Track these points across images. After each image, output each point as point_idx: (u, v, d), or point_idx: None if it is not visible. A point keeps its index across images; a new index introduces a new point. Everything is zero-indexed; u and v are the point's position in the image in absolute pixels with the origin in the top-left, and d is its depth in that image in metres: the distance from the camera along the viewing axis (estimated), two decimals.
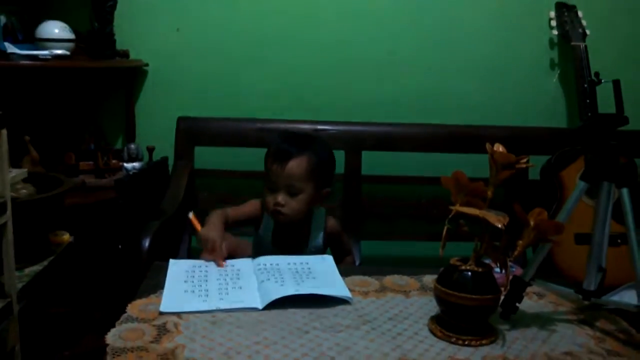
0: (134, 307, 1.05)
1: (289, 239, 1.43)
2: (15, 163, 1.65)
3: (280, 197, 1.37)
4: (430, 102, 2.08)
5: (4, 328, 1.12)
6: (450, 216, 1.01)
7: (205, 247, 1.27)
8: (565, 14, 1.96)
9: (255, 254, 1.37)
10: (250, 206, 1.47)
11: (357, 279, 1.23)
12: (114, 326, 0.98)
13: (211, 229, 1.30)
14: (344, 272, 1.24)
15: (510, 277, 1.06)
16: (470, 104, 2.08)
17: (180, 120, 1.92)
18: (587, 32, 1.92)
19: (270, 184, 1.39)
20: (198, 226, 1.32)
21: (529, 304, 1.14)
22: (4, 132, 1.11)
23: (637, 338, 1.03)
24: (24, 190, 1.31)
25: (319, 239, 1.45)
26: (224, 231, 1.33)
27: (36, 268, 1.31)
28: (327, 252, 1.46)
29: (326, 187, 1.44)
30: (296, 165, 1.37)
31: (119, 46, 1.93)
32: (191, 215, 1.34)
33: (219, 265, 1.23)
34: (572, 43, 1.90)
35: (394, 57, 2.05)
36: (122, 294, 1.27)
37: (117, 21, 1.90)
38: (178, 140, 1.91)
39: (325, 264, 1.26)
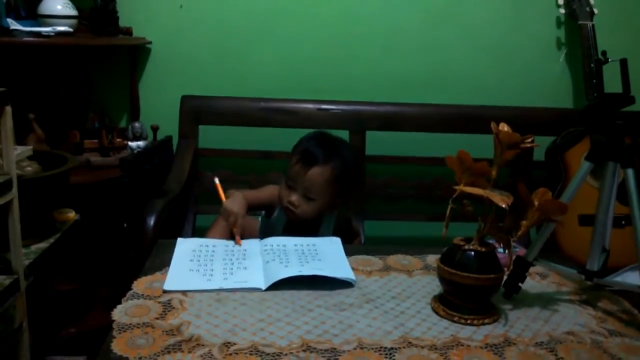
0: (140, 284, 1.06)
1: (299, 233, 1.38)
2: (19, 141, 1.66)
3: (295, 198, 1.36)
4: (435, 81, 2.07)
5: (11, 304, 1.13)
6: (454, 196, 1.01)
7: (227, 219, 1.28)
8: None
9: (263, 236, 1.36)
10: (268, 193, 1.46)
11: (361, 258, 1.24)
12: (119, 303, 1.00)
13: (236, 203, 1.30)
14: (348, 252, 1.24)
15: (514, 257, 1.07)
16: (476, 84, 2.07)
17: (184, 99, 1.91)
18: (595, 10, 1.90)
19: (289, 180, 1.38)
20: (222, 195, 1.32)
21: (531, 284, 1.14)
22: (9, 109, 1.11)
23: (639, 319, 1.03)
24: (29, 168, 1.31)
25: (328, 232, 1.43)
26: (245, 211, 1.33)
27: (42, 245, 1.31)
28: None
29: (343, 197, 1.44)
30: (319, 173, 1.35)
31: (122, 23, 1.91)
32: (217, 180, 1.34)
33: (236, 242, 1.25)
34: (580, 22, 1.88)
35: (398, 35, 2.03)
36: (128, 271, 1.28)
37: None
38: (182, 119, 1.90)
39: (332, 245, 1.26)
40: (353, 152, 1.50)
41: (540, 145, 1.28)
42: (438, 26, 2.03)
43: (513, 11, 2.03)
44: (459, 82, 2.07)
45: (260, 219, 1.50)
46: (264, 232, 1.44)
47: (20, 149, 1.24)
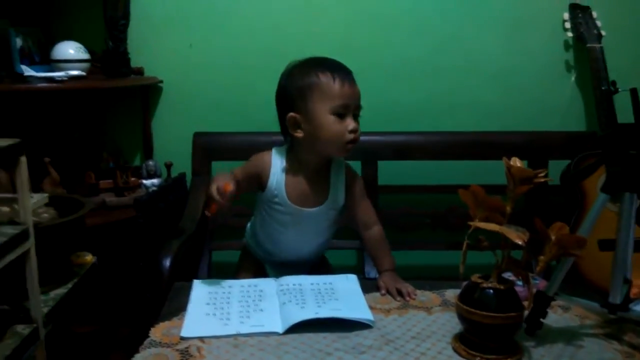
0: (157, 331, 1.06)
1: (305, 192, 1.31)
2: (36, 184, 1.68)
3: (355, 123, 1.25)
4: (444, 108, 2.06)
5: (31, 354, 1.13)
6: (469, 232, 1.00)
7: (214, 183, 1.19)
8: (580, 15, 1.93)
9: (268, 219, 1.32)
10: (257, 160, 1.32)
11: (379, 296, 1.22)
12: (139, 345, 0.99)
13: (221, 174, 1.23)
14: (365, 289, 1.23)
15: (534, 290, 1.05)
16: (486, 109, 2.06)
17: (196, 135, 1.93)
18: (603, 33, 1.89)
19: (340, 108, 1.23)
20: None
21: (554, 317, 1.12)
22: (23, 159, 1.12)
23: None
24: (46, 215, 1.33)
25: (340, 192, 1.33)
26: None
27: (61, 291, 1.32)
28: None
29: None
30: (357, 86, 1.28)
31: (134, 64, 1.94)
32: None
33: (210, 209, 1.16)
34: (588, 45, 1.88)
35: (405, 63, 2.04)
36: (145, 312, 1.28)
37: (130, 39, 1.91)
38: (195, 155, 1.92)
39: (349, 283, 1.25)
40: None
41: (553, 179, 1.27)
42: (444, 53, 2.04)
43: (519, 36, 2.03)
44: (468, 108, 2.07)
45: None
46: (264, 204, 1.33)
47: (36, 197, 1.26)
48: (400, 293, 1.22)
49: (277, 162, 1.31)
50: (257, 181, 1.32)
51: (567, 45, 2.03)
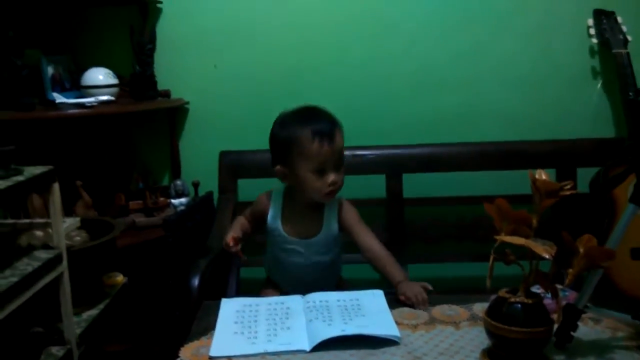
0: (187, 351, 1.07)
1: (300, 226, 1.43)
2: (68, 207, 1.73)
3: (334, 176, 1.36)
4: (469, 118, 2.05)
5: None
6: (495, 245, 0.99)
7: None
8: (604, 20, 1.91)
9: (270, 244, 1.46)
10: (258, 200, 1.49)
11: (406, 311, 1.22)
12: None
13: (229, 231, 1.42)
14: (392, 305, 1.23)
15: (564, 303, 1.04)
16: (512, 118, 2.05)
17: (222, 154, 1.96)
18: (629, 38, 1.87)
19: (319, 165, 1.34)
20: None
21: (584, 330, 1.10)
22: (56, 185, 1.16)
23: None
24: (78, 238, 1.37)
25: (333, 223, 1.43)
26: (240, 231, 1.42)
27: (93, 312, 1.35)
28: (338, 246, 1.48)
29: None
30: (339, 138, 1.37)
31: (160, 86, 1.99)
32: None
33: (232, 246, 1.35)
34: (614, 50, 1.85)
35: (428, 74, 2.04)
36: (175, 331, 1.30)
37: (157, 62, 1.96)
38: (221, 174, 1.95)
39: (375, 299, 1.25)
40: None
41: (577, 190, 1.25)
42: (468, 62, 2.03)
43: (544, 43, 2.01)
44: (493, 117, 2.05)
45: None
46: (271, 237, 1.46)
47: (68, 221, 1.30)
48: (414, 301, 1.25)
49: (275, 200, 1.46)
50: (262, 219, 1.46)
51: (592, 52, 2.00)
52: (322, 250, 1.44)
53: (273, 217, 1.44)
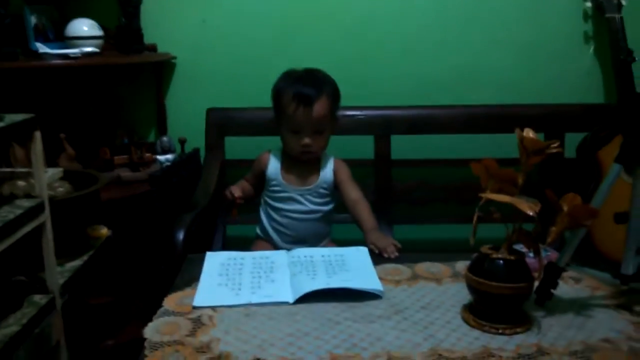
0: (170, 301, 1.08)
1: (299, 175, 1.52)
2: (52, 160, 1.71)
3: (307, 139, 1.44)
4: (460, 81, 2.04)
5: (47, 323, 1.16)
6: (480, 203, 1.00)
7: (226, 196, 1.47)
8: None
9: (268, 196, 1.53)
10: (258, 160, 1.57)
11: (389, 267, 1.23)
12: (152, 316, 1.01)
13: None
14: (376, 261, 1.24)
15: (545, 262, 1.05)
16: (502, 82, 2.03)
17: (210, 111, 1.93)
18: (623, 2, 1.84)
19: (294, 126, 1.45)
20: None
21: (564, 289, 1.12)
22: (38, 134, 1.14)
23: None
24: (61, 189, 1.35)
25: (329, 174, 1.52)
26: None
27: (76, 263, 1.34)
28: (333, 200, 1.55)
29: (337, 112, 1.53)
30: (320, 107, 1.43)
31: (147, 40, 1.95)
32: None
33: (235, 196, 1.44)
34: (607, 15, 1.83)
35: (419, 36, 2.01)
36: (160, 284, 1.30)
37: (143, 15, 1.91)
38: (208, 131, 1.92)
39: (359, 255, 1.26)
40: (323, 71, 1.56)
41: (561, 149, 1.25)
42: (460, 25, 2.01)
43: (537, 6, 1.98)
44: (484, 81, 2.04)
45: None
46: (269, 186, 1.53)
47: (50, 171, 1.28)
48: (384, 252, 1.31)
49: (275, 155, 1.55)
50: (263, 175, 1.54)
51: (585, 16, 1.98)
52: (318, 198, 1.51)
53: (273, 169, 1.52)
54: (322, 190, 1.52)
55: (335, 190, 1.54)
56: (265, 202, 1.56)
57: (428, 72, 2.03)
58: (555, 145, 0.97)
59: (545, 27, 1.99)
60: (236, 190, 1.46)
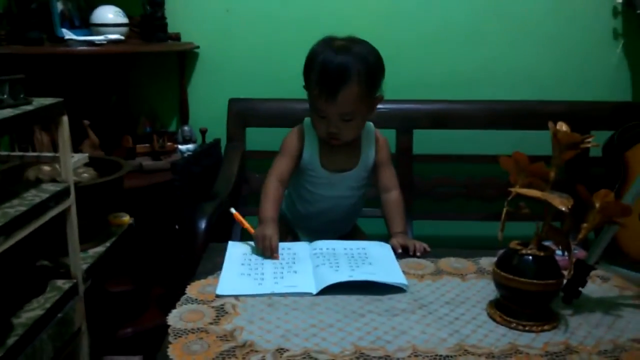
0: (193, 289, 1.07)
1: (338, 159, 1.37)
2: (75, 147, 1.71)
3: (333, 127, 1.29)
4: (485, 76, 2.01)
5: (71, 308, 1.16)
6: (509, 198, 0.98)
7: (262, 244, 1.21)
8: None
9: (301, 181, 1.38)
10: (290, 141, 1.37)
11: (412, 261, 1.22)
12: (173, 304, 1.01)
13: (265, 227, 1.25)
14: (399, 255, 1.23)
15: (574, 260, 1.03)
16: (528, 78, 2.01)
17: (232, 102, 1.93)
18: None
19: (320, 111, 1.29)
20: (244, 222, 1.30)
21: (592, 287, 1.10)
22: (65, 118, 1.14)
23: None
24: (86, 175, 1.35)
25: (370, 157, 1.38)
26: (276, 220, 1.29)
27: (99, 249, 1.35)
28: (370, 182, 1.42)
29: (379, 92, 1.35)
30: (347, 96, 1.25)
31: (171, 29, 1.95)
32: (233, 211, 1.32)
33: (274, 258, 1.19)
34: (638, 11, 1.79)
35: (447, 30, 1.99)
36: (180, 273, 1.30)
37: (168, 4, 1.91)
38: (229, 122, 1.92)
39: (382, 249, 1.24)
40: (365, 42, 1.36)
41: (599, 144, 1.23)
42: (486, 19, 1.98)
43: (565, 1, 1.95)
44: (509, 77, 2.01)
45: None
46: (304, 171, 1.38)
47: (76, 156, 1.28)
48: (411, 249, 1.26)
49: (309, 134, 1.37)
50: (300, 156, 1.38)
51: (615, 12, 1.94)
52: (354, 184, 1.40)
53: (310, 154, 1.36)
54: (361, 174, 1.38)
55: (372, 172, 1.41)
56: (297, 180, 1.42)
57: (452, 67, 2.01)
58: (589, 139, 0.95)
59: (573, 22, 1.96)
60: (276, 249, 1.21)
